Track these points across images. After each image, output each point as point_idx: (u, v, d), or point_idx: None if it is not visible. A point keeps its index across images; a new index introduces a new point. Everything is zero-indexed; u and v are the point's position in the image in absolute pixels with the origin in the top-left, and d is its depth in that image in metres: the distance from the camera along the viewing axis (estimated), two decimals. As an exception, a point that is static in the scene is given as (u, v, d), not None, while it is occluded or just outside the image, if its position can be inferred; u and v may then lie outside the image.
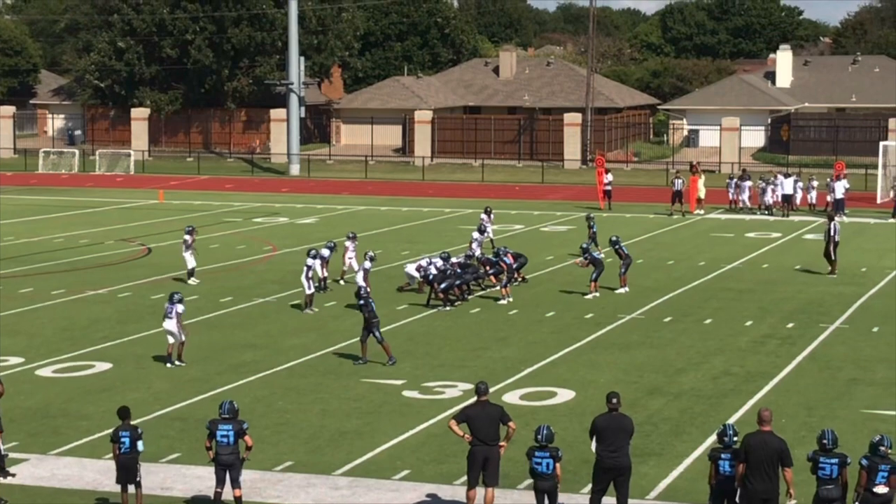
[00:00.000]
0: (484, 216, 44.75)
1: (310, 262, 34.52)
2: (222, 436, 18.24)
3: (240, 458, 18.33)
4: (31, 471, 19.90)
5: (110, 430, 22.53)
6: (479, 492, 18.20)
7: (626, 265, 37.39)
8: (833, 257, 40.57)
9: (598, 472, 17.70)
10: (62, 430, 22.65)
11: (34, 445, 21.82)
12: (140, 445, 18.42)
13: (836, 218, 42.72)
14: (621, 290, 36.92)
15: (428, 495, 19.49)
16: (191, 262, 38.49)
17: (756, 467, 16.61)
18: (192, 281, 38.28)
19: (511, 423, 18.16)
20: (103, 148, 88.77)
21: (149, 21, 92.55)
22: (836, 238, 40.60)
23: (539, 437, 17.35)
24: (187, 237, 38.62)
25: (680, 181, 58.11)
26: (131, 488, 18.45)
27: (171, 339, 28.02)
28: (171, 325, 27.82)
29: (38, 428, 22.91)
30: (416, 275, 36.56)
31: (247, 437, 18.35)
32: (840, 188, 56.85)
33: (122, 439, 18.34)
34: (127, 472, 18.36)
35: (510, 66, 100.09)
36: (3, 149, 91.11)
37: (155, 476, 20.20)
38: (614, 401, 17.87)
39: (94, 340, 30.52)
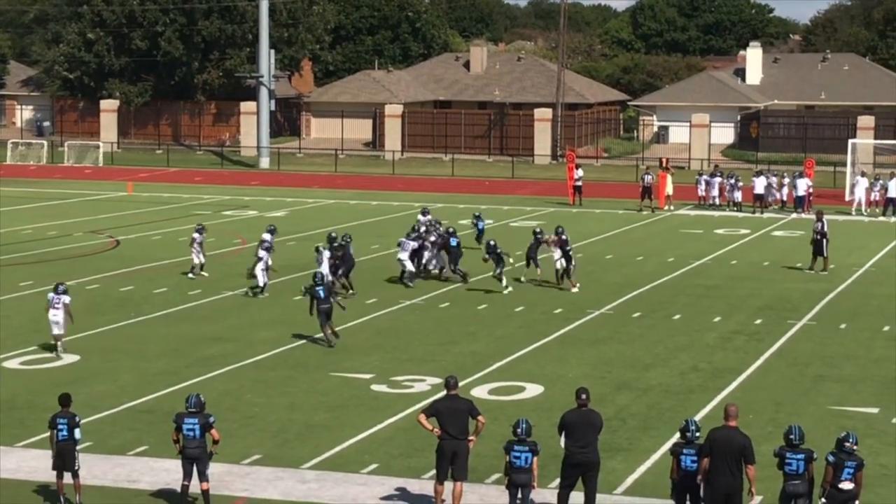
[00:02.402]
0: (421, 217, 43.46)
1: (261, 253, 35.17)
2: (188, 429, 18.19)
3: (207, 451, 18.29)
4: (-2, 463, 19.83)
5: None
6: (448, 486, 18.22)
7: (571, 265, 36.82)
8: (824, 254, 40.44)
9: (567, 467, 17.72)
10: (28, 423, 22.54)
11: (0, 437, 21.71)
12: (77, 433, 18.42)
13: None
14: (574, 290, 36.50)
15: (396, 489, 19.49)
16: (197, 259, 38.23)
17: (720, 462, 16.66)
18: (191, 275, 38.09)
19: (480, 418, 18.17)
20: (72, 139, 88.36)
21: (119, 12, 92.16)
22: (827, 234, 40.48)
23: (519, 430, 17.34)
24: (197, 235, 38.26)
25: (649, 177, 58.27)
26: (68, 477, 18.44)
27: (55, 330, 27.95)
28: (57, 315, 27.90)
29: (4, 420, 22.80)
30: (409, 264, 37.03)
31: (213, 431, 18.31)
32: (802, 185, 57.10)
33: (60, 426, 18.34)
34: (63, 459, 18.37)
35: (481, 60, 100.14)
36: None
37: (122, 469, 20.14)
38: (583, 396, 17.88)
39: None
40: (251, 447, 21.37)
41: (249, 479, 19.90)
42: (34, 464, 20.29)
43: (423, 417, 18.31)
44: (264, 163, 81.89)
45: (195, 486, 18.27)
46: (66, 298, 28.22)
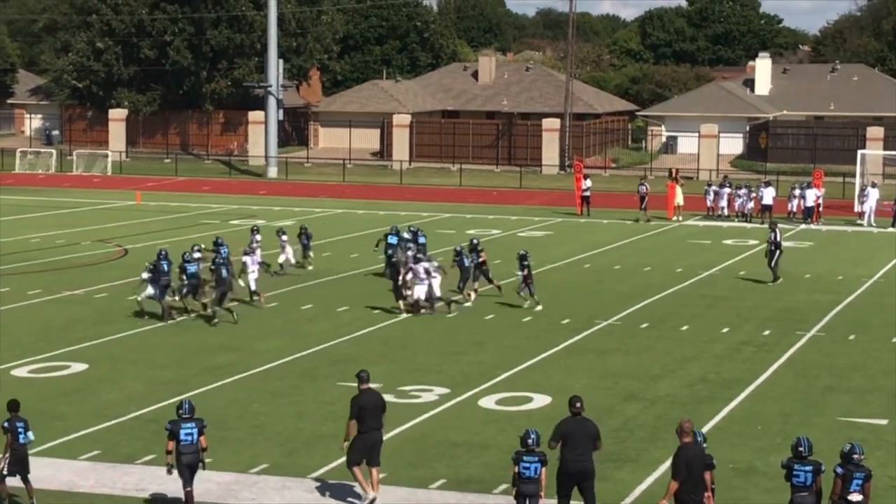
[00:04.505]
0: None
1: (245, 259, 35.78)
2: (186, 434, 18.31)
3: (199, 458, 18.41)
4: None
5: (87, 431, 22.60)
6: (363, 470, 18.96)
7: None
8: (771, 265, 40.30)
9: (563, 477, 17.68)
10: (37, 431, 22.42)
11: (8, 446, 21.71)
12: (31, 436, 18.62)
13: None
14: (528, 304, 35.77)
15: (403, 499, 19.46)
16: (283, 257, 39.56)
17: (695, 479, 16.74)
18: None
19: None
20: (81, 148, 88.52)
21: (127, 22, 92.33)
22: (781, 245, 40.46)
23: (529, 441, 17.31)
24: (259, 238, 38.64)
25: (644, 187, 58.42)
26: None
27: None
28: None
29: (12, 428, 22.79)
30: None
31: (202, 438, 18.45)
32: (811, 196, 57.10)
33: (19, 430, 18.49)
34: (24, 464, 18.51)
35: (489, 70, 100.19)
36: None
37: (131, 477, 20.14)
38: (577, 405, 17.92)
39: (70, 341, 30.42)
40: (258, 456, 21.36)
41: (257, 487, 19.89)
42: (42, 472, 20.28)
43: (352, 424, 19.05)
44: (272, 172, 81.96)
45: (199, 496, 18.27)
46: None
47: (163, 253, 33.75)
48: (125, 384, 26.35)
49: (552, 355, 29.74)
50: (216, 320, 32.76)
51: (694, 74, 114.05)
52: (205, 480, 19.79)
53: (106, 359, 28.65)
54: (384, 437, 19.47)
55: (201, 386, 26.11)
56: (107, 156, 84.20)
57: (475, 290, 36.68)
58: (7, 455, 18.50)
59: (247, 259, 36.06)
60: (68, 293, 37.00)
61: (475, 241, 37.62)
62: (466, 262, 36.33)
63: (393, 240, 40.24)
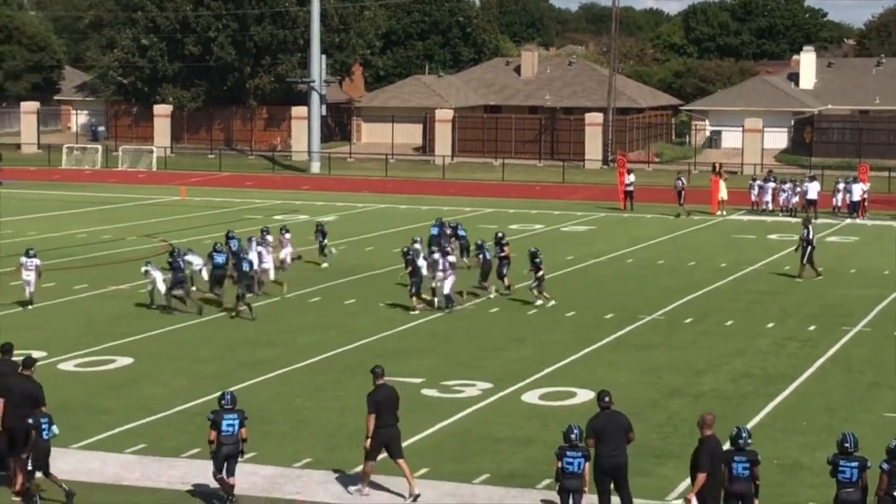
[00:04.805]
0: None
1: (260, 249, 36.23)
2: (228, 425, 18.49)
3: (240, 448, 18.59)
4: (54, 464, 19.94)
5: (132, 425, 22.75)
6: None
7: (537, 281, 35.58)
8: (804, 262, 40.03)
9: (599, 473, 17.73)
10: (84, 424, 22.72)
11: (56, 439, 21.85)
12: (55, 430, 18.91)
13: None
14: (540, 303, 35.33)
15: (446, 493, 19.50)
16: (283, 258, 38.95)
17: (716, 473, 16.99)
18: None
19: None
20: (126, 144, 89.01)
21: (172, 18, 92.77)
22: (813, 242, 40.14)
23: (573, 436, 17.32)
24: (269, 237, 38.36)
25: (680, 182, 58.42)
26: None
27: (29, 289, 33.59)
28: (29, 275, 33.56)
29: (60, 422, 22.88)
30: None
31: (243, 430, 18.64)
32: (857, 190, 56.73)
33: (43, 425, 18.74)
34: (45, 458, 18.76)
35: (532, 65, 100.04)
36: (27, 144, 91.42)
37: (176, 471, 20.27)
38: (606, 399, 17.99)
39: (116, 335, 30.62)
40: (302, 451, 21.44)
41: (300, 482, 19.98)
42: (89, 465, 20.45)
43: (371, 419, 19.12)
44: (315, 167, 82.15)
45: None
46: (37, 261, 33.67)
47: (178, 251, 34.37)
48: (170, 378, 26.51)
49: (596, 350, 29.70)
50: (234, 314, 33.08)
51: (738, 69, 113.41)
52: (249, 474, 19.92)
53: (150, 353, 28.84)
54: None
55: (244, 380, 26.24)
56: (152, 151, 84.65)
57: (508, 287, 36.48)
58: (30, 449, 18.67)
59: (261, 250, 36.56)
60: (114, 288, 37.24)
61: (499, 235, 37.64)
62: (488, 256, 36.23)
63: (435, 230, 40.81)
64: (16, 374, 19.68)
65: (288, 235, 39.64)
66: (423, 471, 20.45)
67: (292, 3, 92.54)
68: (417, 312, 33.67)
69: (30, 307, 33.76)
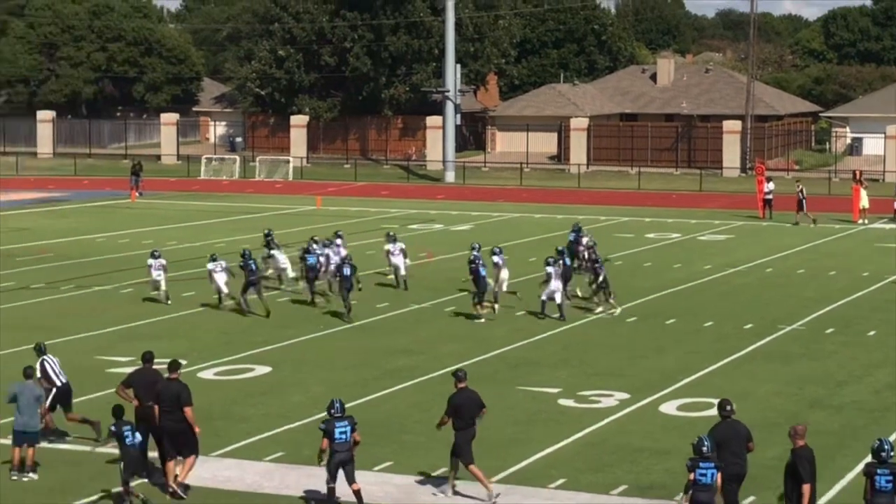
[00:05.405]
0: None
1: (212, 266, 36.22)
2: (341, 432, 18.71)
3: (352, 454, 18.77)
4: (193, 472, 20.21)
5: (271, 433, 22.95)
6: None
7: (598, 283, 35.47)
8: None
9: (724, 483, 17.46)
10: (223, 432, 22.98)
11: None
12: (138, 436, 19.33)
13: None
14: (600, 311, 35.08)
15: (584, 505, 19.37)
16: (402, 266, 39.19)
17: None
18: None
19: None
20: (263, 155, 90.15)
21: (308, 29, 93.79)
22: None
23: (704, 448, 17.11)
24: (391, 246, 39.21)
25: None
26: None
27: (161, 285, 36.11)
28: (159, 274, 35.90)
29: (200, 429, 23.25)
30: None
31: (356, 434, 18.87)
32: None
33: (126, 433, 19.11)
34: (137, 464, 19.33)
35: (668, 72, 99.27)
36: (167, 155, 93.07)
37: (314, 479, 20.33)
38: (728, 408, 17.93)
39: (254, 344, 30.97)
40: (439, 460, 21.40)
41: (438, 490, 19.95)
42: (227, 473, 20.68)
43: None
44: (450, 177, 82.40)
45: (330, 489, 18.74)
46: (163, 261, 36.14)
47: (247, 252, 35.49)
48: (308, 386, 26.70)
49: (735, 360, 29.29)
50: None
51: (879, 74, 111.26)
52: (384, 482, 20.01)
53: (288, 362, 29.09)
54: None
55: (382, 389, 26.33)
56: (288, 162, 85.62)
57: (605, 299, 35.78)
58: (121, 459, 19.16)
59: (328, 252, 37.57)
60: (253, 297, 37.62)
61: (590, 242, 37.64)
62: (568, 262, 35.67)
63: (571, 236, 40.95)
64: (163, 379, 20.18)
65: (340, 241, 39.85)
66: (560, 481, 20.32)
67: (427, 13, 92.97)
68: (483, 321, 33.57)
69: (169, 302, 35.93)
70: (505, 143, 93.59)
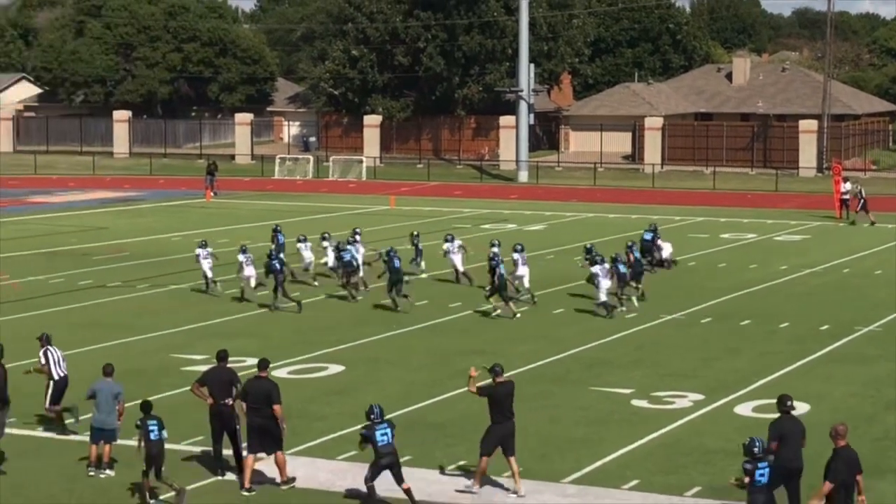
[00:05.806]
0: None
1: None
2: (382, 434, 18.89)
3: (396, 456, 18.95)
4: (267, 469, 20.34)
5: (345, 431, 23.01)
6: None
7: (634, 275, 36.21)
8: None
9: (778, 476, 17.42)
10: (298, 431, 23.03)
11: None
12: (164, 434, 19.45)
13: None
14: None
15: (658, 506, 19.26)
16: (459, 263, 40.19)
17: (849, 483, 16.85)
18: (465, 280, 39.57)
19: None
20: (336, 154, 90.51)
21: (382, 29, 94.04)
22: None
23: (755, 449, 16.96)
24: (448, 245, 40.30)
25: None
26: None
27: (210, 274, 37.46)
28: (208, 261, 37.36)
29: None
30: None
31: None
32: None
33: (151, 428, 19.31)
34: (157, 459, 19.24)
35: (744, 72, 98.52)
36: (241, 155, 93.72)
37: (385, 478, 20.35)
38: (788, 403, 18.05)
39: (328, 343, 31.09)
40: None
41: (507, 490, 19.92)
42: (301, 471, 20.74)
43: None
44: (523, 177, 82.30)
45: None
46: (210, 249, 37.88)
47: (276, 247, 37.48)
48: (382, 386, 26.76)
49: (811, 362, 29.02)
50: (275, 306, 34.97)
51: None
52: (451, 483, 20.01)
53: (362, 360, 29.17)
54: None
55: (455, 388, 26.31)
56: (361, 162, 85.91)
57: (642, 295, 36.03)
58: (141, 451, 19.37)
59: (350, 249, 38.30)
60: (325, 297, 37.83)
61: (630, 244, 37.73)
62: (622, 269, 35.51)
63: (648, 236, 42.06)
64: (253, 378, 20.46)
65: (326, 243, 40.98)
66: (634, 482, 20.23)
67: (501, 12, 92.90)
68: (499, 312, 34.34)
69: (218, 286, 37.74)
70: (578, 143, 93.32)
